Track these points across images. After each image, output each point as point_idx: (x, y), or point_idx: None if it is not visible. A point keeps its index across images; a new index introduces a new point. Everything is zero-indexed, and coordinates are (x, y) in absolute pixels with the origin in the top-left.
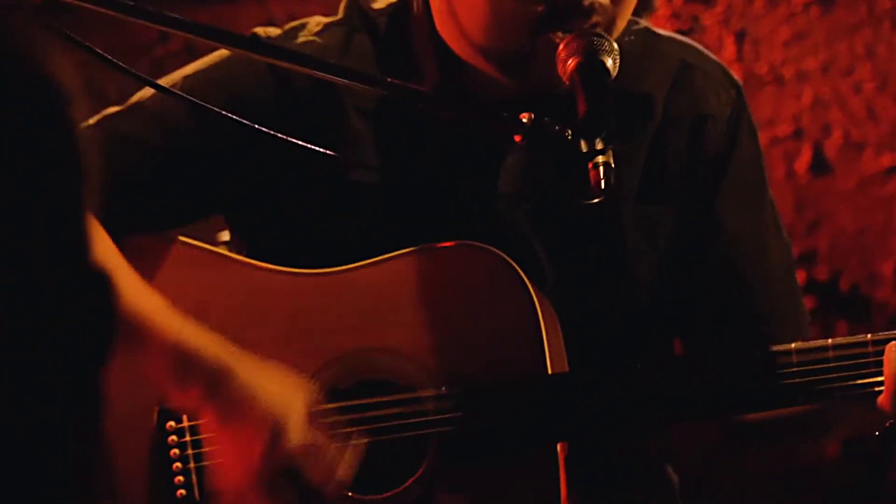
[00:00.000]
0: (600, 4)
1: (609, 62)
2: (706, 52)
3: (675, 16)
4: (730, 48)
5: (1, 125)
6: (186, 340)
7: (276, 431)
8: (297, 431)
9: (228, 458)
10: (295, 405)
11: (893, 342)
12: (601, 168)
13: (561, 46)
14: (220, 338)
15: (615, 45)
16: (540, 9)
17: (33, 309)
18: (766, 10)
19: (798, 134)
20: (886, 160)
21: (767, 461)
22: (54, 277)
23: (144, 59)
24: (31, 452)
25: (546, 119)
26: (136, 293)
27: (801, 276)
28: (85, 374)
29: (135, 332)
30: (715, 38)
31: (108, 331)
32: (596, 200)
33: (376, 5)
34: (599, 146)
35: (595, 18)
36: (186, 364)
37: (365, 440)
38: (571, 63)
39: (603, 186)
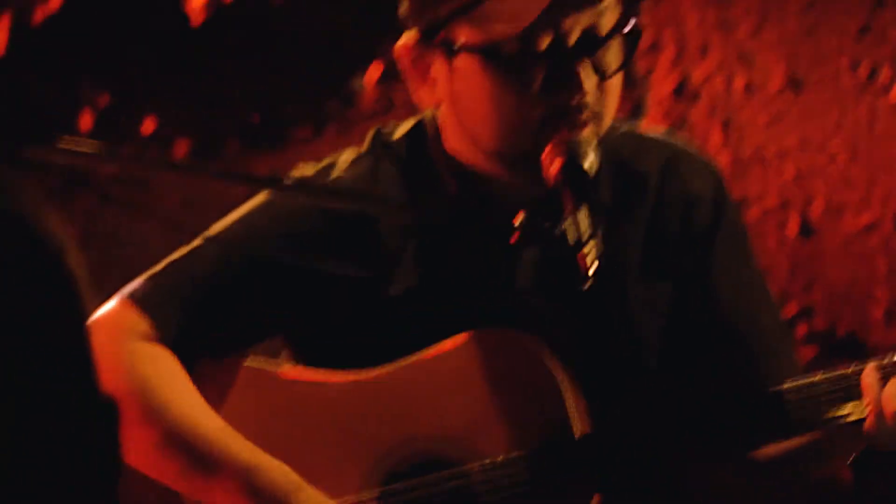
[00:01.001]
0: (588, 103)
1: (587, 162)
2: (689, 145)
3: (667, 115)
4: (717, 136)
5: (6, 276)
6: (255, 467)
7: None
8: None
9: None
10: None
11: (868, 368)
12: (589, 255)
13: (546, 152)
14: (282, 464)
15: (593, 146)
16: (539, 112)
17: (41, 440)
18: (745, 99)
19: (785, 205)
20: (865, 219)
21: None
22: (57, 409)
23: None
24: None
25: (537, 218)
26: (207, 419)
27: (802, 329)
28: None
29: (205, 455)
30: (703, 130)
31: (114, 455)
32: (588, 284)
33: (396, 134)
34: (586, 236)
35: (585, 114)
36: (255, 491)
37: None
38: (555, 165)
39: (591, 273)
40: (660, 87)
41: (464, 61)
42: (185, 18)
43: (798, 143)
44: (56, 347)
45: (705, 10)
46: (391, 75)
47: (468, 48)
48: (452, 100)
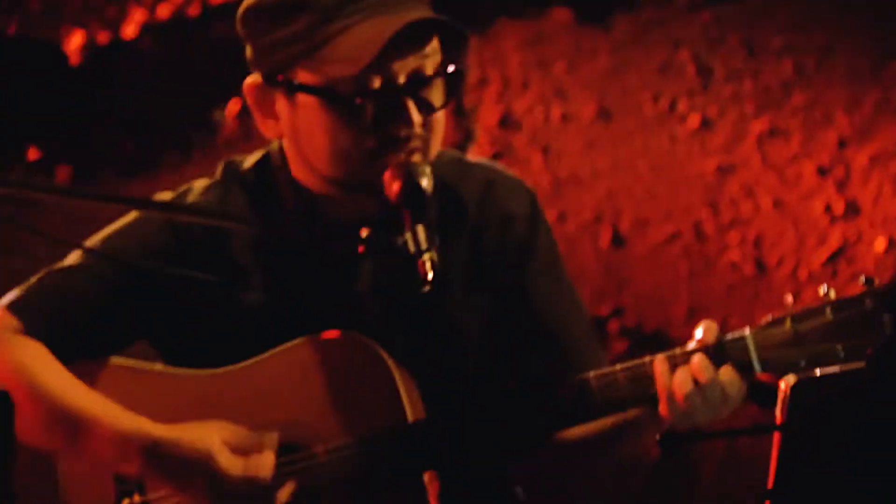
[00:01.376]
0: (416, 133)
1: (424, 182)
2: (505, 169)
3: (493, 142)
4: (538, 160)
5: None
6: (136, 430)
7: (207, 463)
8: (224, 457)
9: (182, 499)
10: (214, 439)
11: (659, 358)
12: (427, 262)
13: (387, 174)
14: (143, 419)
15: (428, 169)
16: (371, 143)
17: None
18: (562, 127)
19: (598, 219)
20: (667, 230)
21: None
22: None
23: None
24: None
25: (380, 231)
26: (78, 394)
27: (614, 325)
28: None
29: (80, 425)
30: (525, 155)
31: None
32: (427, 288)
33: (246, 164)
34: (424, 247)
35: (414, 143)
36: (124, 442)
37: (288, 484)
38: (395, 186)
39: (430, 276)
40: (486, 118)
41: (303, 99)
42: (64, 58)
43: (609, 165)
44: None
45: (525, 51)
46: (248, 109)
47: (306, 88)
48: (294, 133)
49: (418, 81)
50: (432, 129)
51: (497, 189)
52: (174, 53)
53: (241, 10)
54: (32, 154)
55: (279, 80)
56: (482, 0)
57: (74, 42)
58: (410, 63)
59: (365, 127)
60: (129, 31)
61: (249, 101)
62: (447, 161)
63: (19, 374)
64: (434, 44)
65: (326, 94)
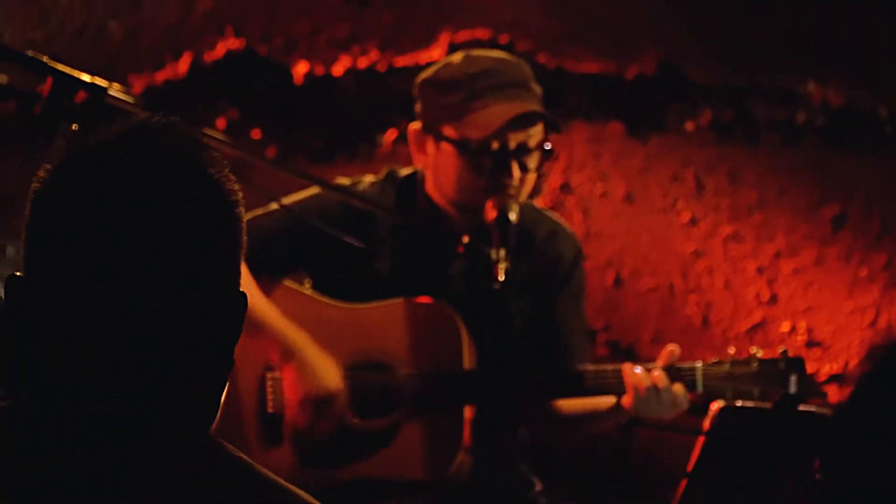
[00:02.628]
0: (514, 185)
1: (512, 216)
2: (567, 223)
3: (553, 198)
4: (578, 217)
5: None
6: (283, 331)
7: (315, 378)
8: (328, 379)
9: (293, 391)
10: (330, 369)
11: (626, 365)
12: (501, 269)
13: (489, 204)
14: (302, 332)
15: (516, 207)
16: (482, 184)
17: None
18: (599, 199)
19: (609, 265)
20: (651, 283)
21: (570, 441)
22: (228, 297)
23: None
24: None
25: (476, 241)
26: (263, 305)
27: (602, 337)
28: (230, 342)
29: (259, 325)
30: (570, 212)
31: (238, 320)
32: (497, 286)
33: (401, 174)
34: (501, 258)
35: (511, 190)
36: (281, 344)
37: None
38: (492, 214)
39: (501, 279)
40: (552, 181)
41: (445, 146)
42: (291, 78)
43: (624, 231)
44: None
45: (588, 144)
46: (400, 138)
47: (449, 139)
48: (434, 167)
49: (522, 150)
50: (525, 183)
51: (559, 236)
52: (363, 91)
53: (418, 79)
54: (255, 134)
55: (433, 130)
56: (568, 105)
57: (300, 69)
58: (520, 137)
59: (481, 173)
60: (337, 70)
61: (410, 138)
62: (529, 207)
63: None
64: (538, 127)
65: (462, 146)
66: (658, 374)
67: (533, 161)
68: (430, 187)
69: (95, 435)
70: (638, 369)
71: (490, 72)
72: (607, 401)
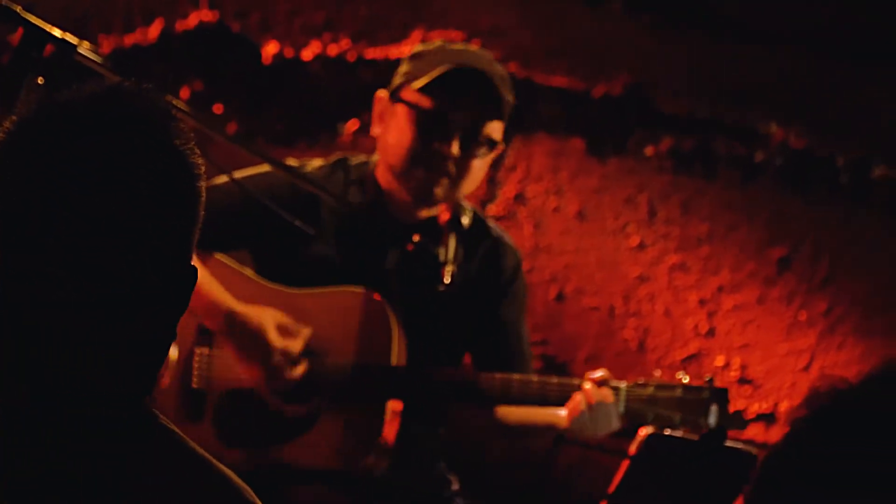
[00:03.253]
0: (451, 157)
1: (465, 220)
2: (506, 234)
3: (506, 207)
4: (529, 229)
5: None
6: (223, 302)
7: (260, 333)
8: (272, 332)
9: (235, 356)
10: (269, 319)
11: (576, 393)
12: (448, 272)
13: (441, 209)
14: (230, 295)
15: (470, 213)
16: (419, 148)
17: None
18: (552, 213)
19: (553, 280)
20: (593, 302)
21: (506, 453)
22: (180, 270)
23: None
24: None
25: (427, 239)
26: (208, 282)
27: (538, 350)
28: (178, 316)
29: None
30: (522, 223)
31: (188, 294)
32: (442, 287)
33: (353, 161)
34: (450, 259)
35: (448, 167)
36: (214, 306)
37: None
38: (446, 215)
39: (447, 280)
40: (507, 191)
41: (399, 108)
42: (260, 58)
43: (572, 248)
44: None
45: (548, 157)
46: (362, 129)
47: (404, 101)
48: (384, 132)
49: (470, 129)
50: (466, 172)
51: (502, 246)
52: (331, 79)
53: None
54: (217, 109)
55: (394, 95)
56: (533, 116)
57: (270, 50)
58: (475, 116)
59: (423, 137)
60: (307, 55)
61: (374, 107)
62: (478, 216)
63: None
64: (497, 125)
65: (413, 107)
66: (589, 388)
67: (479, 151)
68: (379, 174)
69: (95, 435)
70: (587, 385)
71: (466, 53)
72: (545, 413)
